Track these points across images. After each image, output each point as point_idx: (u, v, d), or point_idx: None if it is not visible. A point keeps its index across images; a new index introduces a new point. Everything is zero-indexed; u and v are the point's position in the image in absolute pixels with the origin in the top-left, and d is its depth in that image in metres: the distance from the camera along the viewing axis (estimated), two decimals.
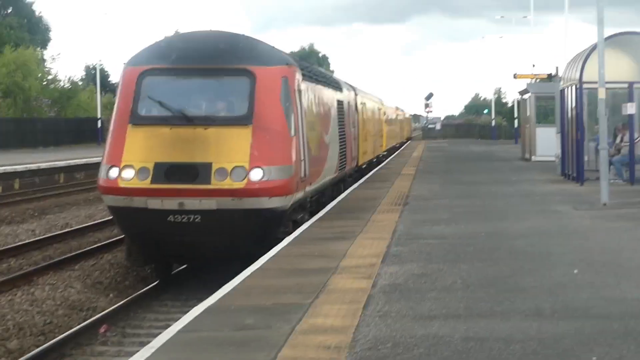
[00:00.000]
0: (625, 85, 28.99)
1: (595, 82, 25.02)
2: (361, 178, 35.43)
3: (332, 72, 40.20)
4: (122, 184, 16.83)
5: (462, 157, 55.28)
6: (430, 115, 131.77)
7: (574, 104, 31.51)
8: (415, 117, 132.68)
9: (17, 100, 76.99)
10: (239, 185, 16.60)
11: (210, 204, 16.55)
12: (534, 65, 72.09)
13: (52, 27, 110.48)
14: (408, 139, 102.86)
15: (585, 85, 29.61)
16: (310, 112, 21.44)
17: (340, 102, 28.87)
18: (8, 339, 14.61)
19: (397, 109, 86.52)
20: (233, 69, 18.09)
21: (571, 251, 15.11)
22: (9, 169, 43.76)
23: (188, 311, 11.60)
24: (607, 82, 24.65)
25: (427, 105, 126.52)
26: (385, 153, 55.84)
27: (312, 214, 21.47)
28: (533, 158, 45.98)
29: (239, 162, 16.68)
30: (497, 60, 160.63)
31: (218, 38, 19.31)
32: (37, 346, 13.85)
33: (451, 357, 8.53)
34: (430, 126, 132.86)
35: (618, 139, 30.96)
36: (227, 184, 16.59)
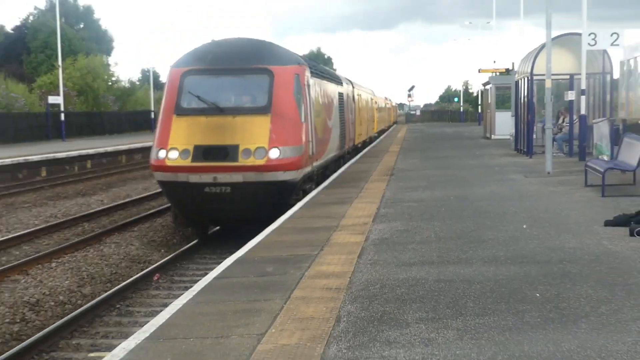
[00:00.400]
0: (567, 77, 28.99)
1: (543, 75, 24.96)
2: (357, 154, 35.28)
3: (335, 69, 39.89)
4: (168, 163, 17.17)
5: (436, 136, 55.14)
6: (412, 104, 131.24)
7: (525, 93, 31.53)
8: (400, 105, 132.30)
9: (88, 97, 76.88)
10: (261, 162, 16.89)
11: (238, 177, 16.87)
12: (494, 62, 71.99)
13: (114, 38, 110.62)
14: (395, 123, 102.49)
15: (535, 77, 29.56)
16: (317, 102, 21.58)
17: (340, 94, 28.98)
18: (83, 286, 14.68)
19: (385, 98, 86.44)
20: (256, 69, 18.29)
21: (522, 210, 15.12)
22: (83, 152, 43.76)
23: (221, 262, 11.66)
24: (552, 74, 24.65)
25: (409, 96, 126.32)
26: (376, 134, 55.73)
27: (318, 184, 21.53)
28: (493, 137, 45.85)
29: (260, 144, 16.98)
30: (465, 58, 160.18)
31: (244, 43, 19.64)
32: (105, 291, 13.92)
33: (425, 296, 8.58)
34: (411, 112, 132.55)
35: (560, 120, 30.93)
36: (251, 161, 16.87)
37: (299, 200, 18.04)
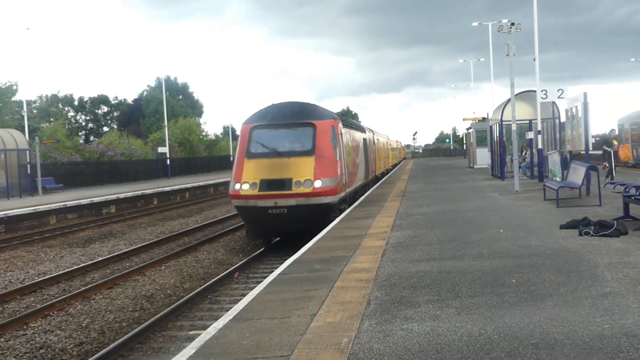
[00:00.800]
0: (527, 121, 28.76)
1: (510, 121, 25.00)
2: (377, 182, 35.15)
3: (360, 122, 39.90)
4: (242, 193, 17.52)
5: (434, 167, 54.95)
6: (416, 144, 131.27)
7: (497, 134, 31.40)
8: (408, 146, 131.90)
9: (186, 147, 77.62)
10: (308, 190, 17.19)
11: (292, 201, 17.15)
12: (474, 112, 72.51)
13: (204, 104, 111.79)
14: (404, 158, 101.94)
15: (504, 122, 29.45)
16: (347, 145, 21.63)
17: (365, 139, 29.14)
18: (184, 282, 14.67)
19: (397, 141, 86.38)
20: (303, 123, 18.64)
21: (499, 219, 14.95)
22: (182, 186, 44.08)
23: (283, 263, 11.60)
24: (516, 120, 24.63)
25: (414, 138, 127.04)
26: (391, 167, 55.48)
27: (350, 204, 21.40)
28: (475, 166, 45.75)
29: (307, 177, 17.33)
30: (453, 111, 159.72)
31: (294, 105, 19.92)
32: (200, 286, 13.90)
33: (431, 283, 8.48)
34: (416, 150, 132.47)
35: (523, 153, 30.79)
36: (301, 190, 17.19)
37: (337, 217, 17.96)
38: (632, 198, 13.22)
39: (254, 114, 19.59)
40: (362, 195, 25.81)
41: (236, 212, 22.02)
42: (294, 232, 17.90)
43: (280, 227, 17.86)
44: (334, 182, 17.88)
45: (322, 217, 17.40)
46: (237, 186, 17.65)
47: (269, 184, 17.39)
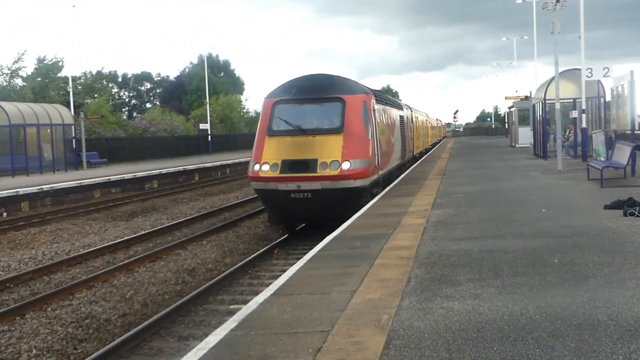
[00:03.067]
0: (571, 100, 28.35)
1: (553, 99, 24.58)
2: (415, 162, 34.50)
3: (401, 100, 39.48)
4: (261, 174, 15.91)
5: (475, 146, 54.40)
6: (456, 123, 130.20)
7: (540, 113, 30.97)
8: (448, 124, 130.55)
9: (227, 124, 77.95)
10: (335, 172, 15.46)
11: (317, 185, 15.52)
12: (516, 91, 70.62)
13: (244, 82, 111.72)
14: (444, 137, 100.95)
15: (547, 101, 29.10)
16: (381, 123, 19.75)
17: (401, 116, 27.25)
18: (225, 257, 14.81)
19: (437, 119, 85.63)
20: (331, 97, 16.83)
21: (541, 198, 14.76)
22: (224, 162, 44.44)
23: (323, 239, 11.60)
24: (560, 99, 24.18)
25: (454, 117, 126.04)
26: (430, 146, 54.61)
27: (384, 188, 19.81)
28: (516, 145, 45.17)
29: (334, 158, 15.62)
30: (494, 89, 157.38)
31: (321, 78, 17.93)
32: (241, 261, 14.01)
33: (472, 262, 8.42)
34: (456, 129, 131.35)
35: (567, 132, 30.39)
36: (327, 172, 15.48)
37: (368, 202, 16.57)
38: None
39: (277, 88, 17.89)
40: (399, 176, 24.49)
41: None
42: (319, 218, 16.66)
43: (304, 213, 16.47)
44: (364, 164, 16.11)
45: (350, 203, 15.87)
46: (257, 167, 16.09)
47: (291, 165, 15.75)
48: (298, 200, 15.68)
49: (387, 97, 25.68)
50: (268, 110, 16.96)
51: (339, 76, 18.40)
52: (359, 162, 15.88)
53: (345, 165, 15.56)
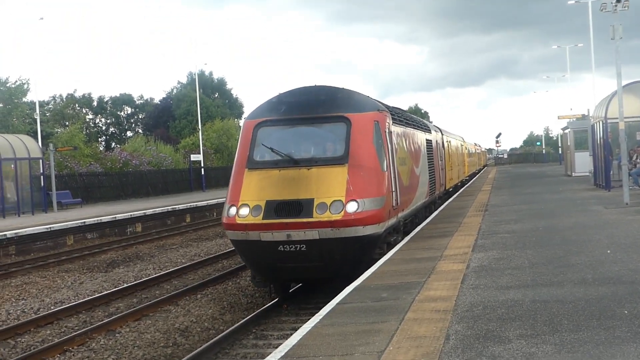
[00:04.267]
0: (638, 119, 28.33)
1: (616, 118, 24.50)
2: (448, 199, 33.21)
3: (432, 121, 39.09)
4: (239, 221, 13.79)
5: (522, 176, 54.37)
6: (499, 148, 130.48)
7: (601, 134, 30.92)
8: (489, 150, 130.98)
9: (223, 154, 78.25)
10: (337, 217, 13.39)
11: (313, 234, 13.42)
12: (571, 109, 71.17)
13: (244, 104, 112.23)
14: (485, 166, 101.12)
15: (609, 121, 29.03)
16: (401, 149, 17.73)
17: (429, 141, 25.13)
18: (224, 314, 14.81)
19: (475, 144, 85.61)
20: (331, 117, 14.78)
21: (605, 237, 14.69)
22: (219, 200, 44.50)
23: (342, 290, 11.57)
24: (625, 117, 24.09)
25: (497, 142, 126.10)
26: (467, 178, 53.98)
27: (406, 234, 18.08)
28: (573, 174, 45.20)
29: (336, 197, 13.57)
30: (544, 107, 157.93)
31: (320, 91, 15.68)
32: (243, 318, 13.99)
33: (523, 315, 8.37)
34: (499, 156, 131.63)
35: (634, 157, 30.30)
36: (327, 216, 13.41)
37: (384, 254, 14.91)
38: None
39: (261, 105, 15.94)
40: (426, 218, 22.95)
41: None
42: (317, 277, 14.97)
43: (297, 271, 14.55)
44: (377, 204, 14.09)
45: (359, 256, 14.03)
46: (232, 211, 14.08)
47: (278, 208, 13.69)
48: (288, 254, 13.75)
49: (409, 115, 23.82)
50: (249, 135, 15.12)
51: (343, 88, 16.28)
52: (369, 202, 13.90)
53: (351, 207, 13.63)
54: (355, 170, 14.05)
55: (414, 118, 24.73)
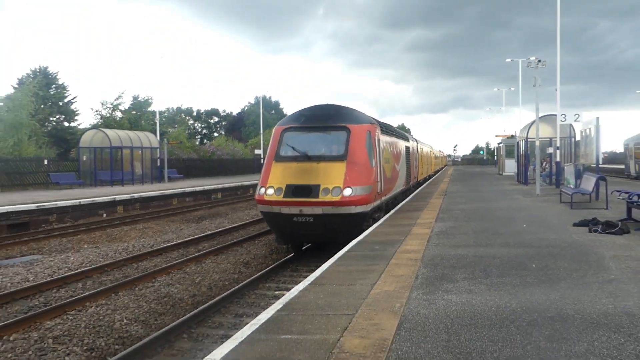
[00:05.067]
0: (548, 139, 27.98)
1: (534, 138, 24.18)
2: (420, 186, 32.60)
3: (412, 134, 38.37)
4: (266, 198, 13.23)
5: (470, 173, 53.77)
6: (455, 154, 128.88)
7: (523, 148, 30.60)
8: (449, 155, 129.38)
9: None
10: (336, 198, 12.81)
11: (318, 210, 12.88)
12: (504, 130, 70.45)
13: None
14: (445, 165, 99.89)
15: (529, 139, 28.78)
16: (386, 152, 16.85)
17: (407, 147, 24.08)
18: (272, 254, 14.81)
19: (440, 151, 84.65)
20: (337, 126, 14.05)
21: (522, 216, 14.55)
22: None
23: (349, 243, 11.55)
24: (539, 138, 23.86)
25: (454, 150, 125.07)
26: (433, 173, 53.17)
27: (387, 211, 17.15)
28: (503, 173, 44.72)
29: (337, 184, 12.95)
30: (487, 129, 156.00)
31: (329, 108, 14.95)
32: (283, 257, 14.01)
33: (467, 265, 8.33)
34: (456, 159, 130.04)
35: (544, 164, 30.01)
36: (329, 198, 12.82)
37: (370, 226, 13.99)
38: (635, 204, 12.69)
39: (288, 116, 15.28)
40: (403, 200, 21.81)
41: None
42: (321, 241, 14.32)
43: (307, 236, 13.90)
44: (366, 191, 13.34)
45: (351, 228, 13.29)
46: (262, 190, 13.47)
47: (294, 190, 13.13)
48: (300, 223, 13.18)
49: (393, 128, 22.26)
50: (277, 137, 14.41)
51: (346, 107, 15.46)
52: (360, 189, 13.17)
53: (347, 192, 12.97)
54: (351, 166, 13.32)
55: (397, 131, 23.26)
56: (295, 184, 13.15)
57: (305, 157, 13.60)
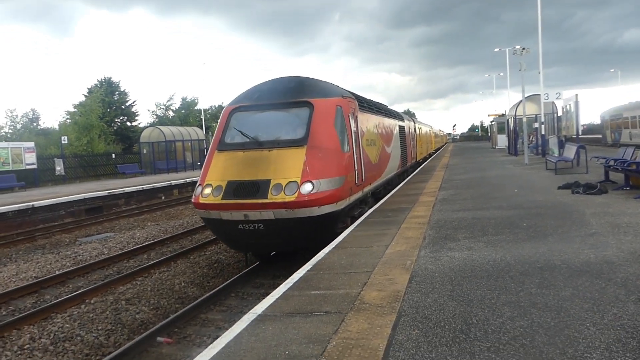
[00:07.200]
0: (534, 116, 27.40)
1: (521, 115, 23.75)
2: (419, 166, 29.06)
3: (417, 118, 36.85)
4: (201, 200, 8.54)
5: (467, 148, 53.02)
6: (454, 133, 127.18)
7: (512, 124, 30.02)
8: (449, 134, 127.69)
9: None
10: (291, 198, 8.05)
11: (268, 214, 8.13)
12: (495, 110, 68.91)
13: None
14: (446, 143, 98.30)
15: (517, 117, 28.21)
16: (370, 132, 12.00)
17: (401, 127, 18.79)
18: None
19: (440, 130, 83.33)
20: (297, 102, 9.27)
21: (513, 183, 14.28)
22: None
23: (367, 211, 11.47)
24: (526, 115, 23.38)
25: (453, 129, 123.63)
26: (433, 151, 50.54)
27: (378, 200, 12.90)
28: (496, 147, 43.99)
29: (292, 178, 8.25)
30: (481, 109, 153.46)
31: (290, 80, 9.94)
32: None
33: (467, 225, 8.20)
34: (455, 137, 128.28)
35: (531, 137, 29.39)
36: (281, 197, 8.07)
37: (347, 227, 9.34)
38: (611, 167, 12.36)
39: (241, 94, 10.17)
40: (400, 183, 17.32)
41: None
42: (277, 251, 9.93)
43: (260, 246, 8.98)
44: (335, 184, 8.62)
45: (318, 233, 8.50)
46: (198, 190, 8.78)
47: (237, 189, 8.39)
48: (248, 232, 8.43)
49: (381, 105, 16.28)
50: (224, 119, 9.72)
51: (311, 78, 10.34)
52: (326, 182, 8.43)
53: (306, 188, 8.21)
54: (313, 152, 8.64)
55: (388, 108, 17.51)
56: (239, 180, 8.51)
57: (255, 144, 8.95)
